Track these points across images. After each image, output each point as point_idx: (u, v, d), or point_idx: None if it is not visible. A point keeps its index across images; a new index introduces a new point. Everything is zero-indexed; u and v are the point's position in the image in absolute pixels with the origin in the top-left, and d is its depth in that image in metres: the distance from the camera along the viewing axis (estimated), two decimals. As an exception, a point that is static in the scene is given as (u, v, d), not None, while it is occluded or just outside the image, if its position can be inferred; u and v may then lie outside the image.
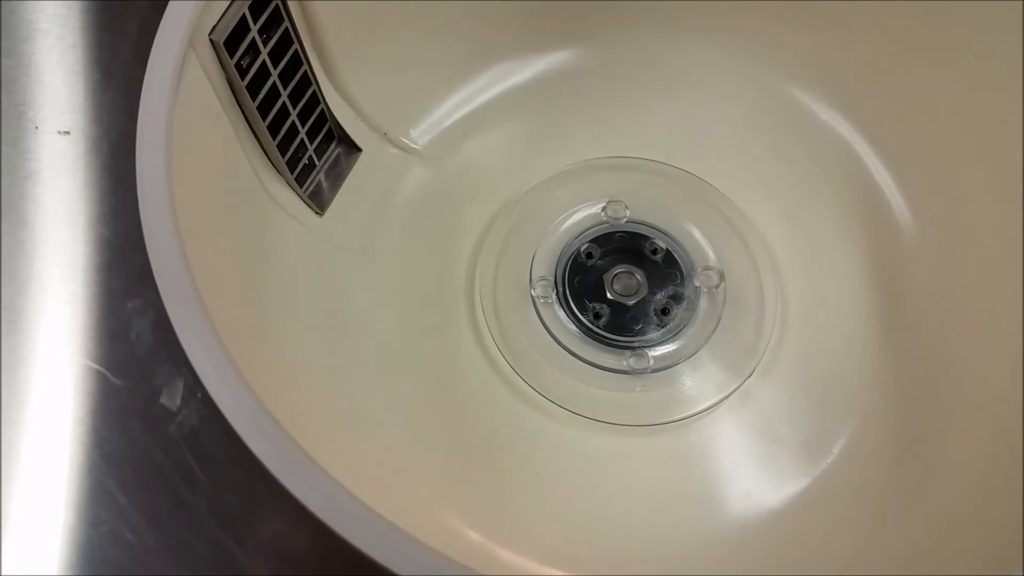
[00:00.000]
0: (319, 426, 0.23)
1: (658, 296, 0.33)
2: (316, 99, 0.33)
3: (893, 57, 0.33)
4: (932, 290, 0.32)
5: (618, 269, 0.33)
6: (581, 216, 0.34)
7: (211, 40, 0.26)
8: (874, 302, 0.33)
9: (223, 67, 0.27)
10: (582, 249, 0.34)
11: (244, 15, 0.27)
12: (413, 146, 0.35)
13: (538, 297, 0.33)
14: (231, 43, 0.27)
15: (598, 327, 0.32)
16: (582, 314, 0.32)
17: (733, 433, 0.31)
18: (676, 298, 0.33)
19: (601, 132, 0.36)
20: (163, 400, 0.18)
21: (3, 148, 0.21)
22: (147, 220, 0.20)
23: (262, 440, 0.18)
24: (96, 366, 0.18)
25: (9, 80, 0.22)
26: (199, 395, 0.18)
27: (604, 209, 0.35)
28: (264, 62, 0.29)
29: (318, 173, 0.34)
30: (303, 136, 0.32)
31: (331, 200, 0.34)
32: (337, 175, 0.35)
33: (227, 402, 0.18)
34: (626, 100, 0.36)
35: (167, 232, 0.20)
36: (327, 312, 0.32)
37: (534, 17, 0.35)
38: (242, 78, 0.28)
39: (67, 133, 0.21)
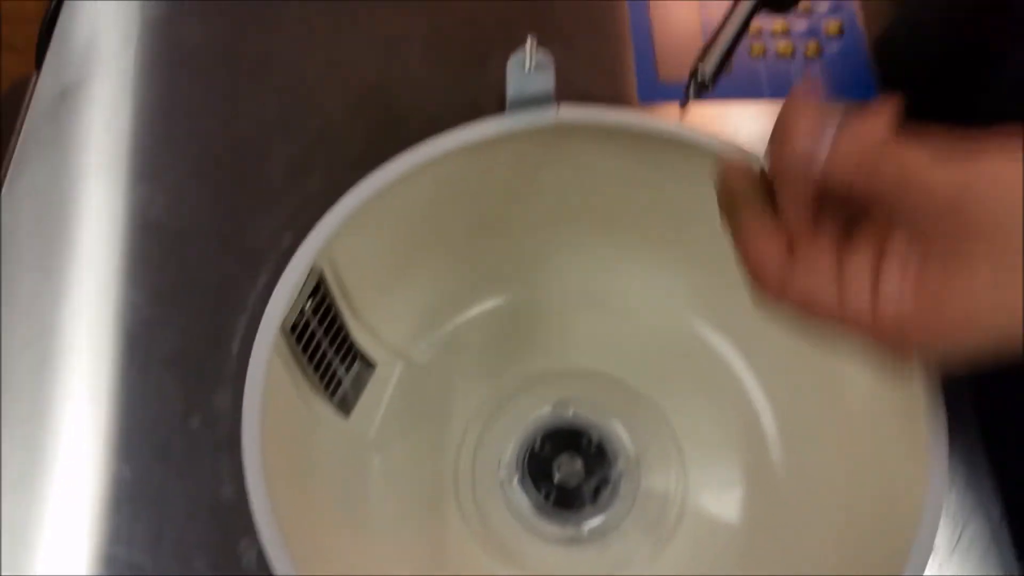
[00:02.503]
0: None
1: (592, 480, 0.45)
2: (346, 335, 0.45)
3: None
4: (787, 466, 0.45)
5: (562, 458, 0.46)
6: (537, 415, 0.47)
7: (282, 331, 0.38)
8: (747, 476, 0.45)
9: (285, 340, 0.39)
10: (536, 442, 0.46)
11: (303, 308, 0.40)
12: (416, 360, 0.48)
13: (503, 480, 0.45)
14: (293, 326, 0.39)
15: (547, 504, 0.44)
16: (536, 493, 0.44)
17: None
18: (604, 482, 0.45)
19: (555, 347, 0.49)
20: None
21: (152, 448, 0.33)
22: (251, 488, 0.32)
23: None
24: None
25: (159, 392, 0.34)
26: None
27: (554, 408, 0.47)
28: (313, 329, 0.41)
29: (344, 386, 0.46)
30: (335, 364, 0.45)
31: (354, 405, 0.46)
32: (359, 385, 0.47)
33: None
34: (573, 321, 0.49)
35: (263, 498, 0.32)
36: (351, 492, 0.44)
37: (504, 263, 0.48)
38: (298, 342, 0.41)
39: (199, 423, 0.33)
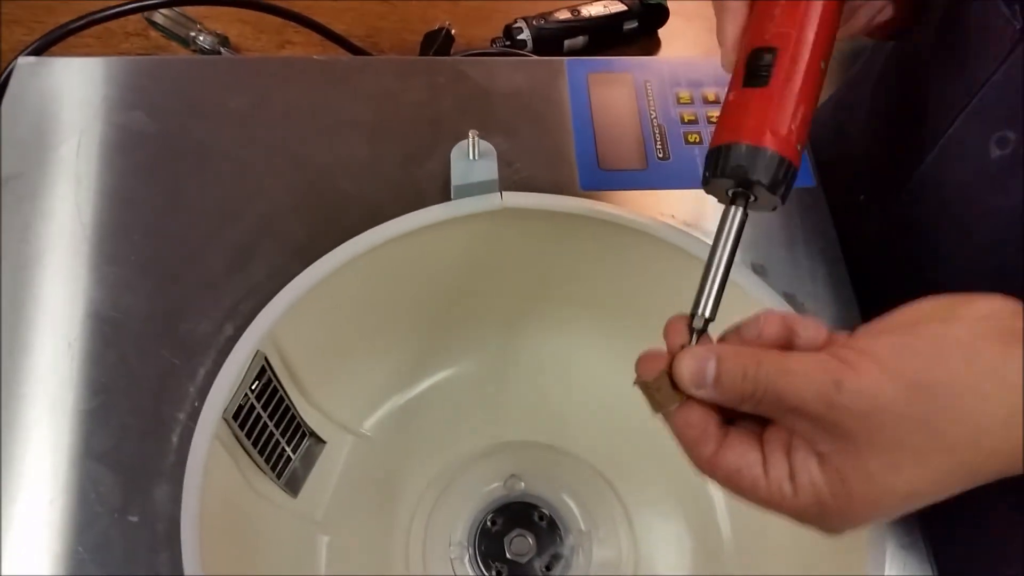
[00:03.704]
0: None
1: (544, 555, 0.45)
2: (293, 415, 0.45)
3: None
4: (735, 536, 0.45)
5: (514, 533, 0.46)
6: (487, 489, 0.47)
7: (224, 419, 0.38)
8: (695, 546, 0.46)
9: (228, 426, 0.39)
10: (487, 518, 0.46)
11: (247, 393, 0.40)
12: (367, 436, 0.48)
13: (455, 559, 0.45)
14: (236, 412, 0.39)
15: (501, 580, 0.44)
16: (487, 572, 0.44)
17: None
18: (556, 557, 0.45)
19: (505, 419, 0.49)
20: None
21: (89, 546, 0.33)
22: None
23: None
24: None
25: (97, 488, 0.34)
26: None
27: (505, 483, 0.47)
28: (258, 413, 0.41)
29: (293, 464, 0.46)
30: (283, 443, 0.44)
31: (303, 484, 0.46)
32: (308, 462, 0.46)
33: None
34: (522, 393, 0.50)
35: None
36: (300, 573, 0.43)
37: (453, 338, 0.49)
38: (241, 428, 0.40)
39: (138, 519, 0.33)
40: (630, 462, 0.48)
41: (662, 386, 0.26)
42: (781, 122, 0.28)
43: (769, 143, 0.27)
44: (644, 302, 0.47)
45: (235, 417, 0.39)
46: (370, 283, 0.44)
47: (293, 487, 0.45)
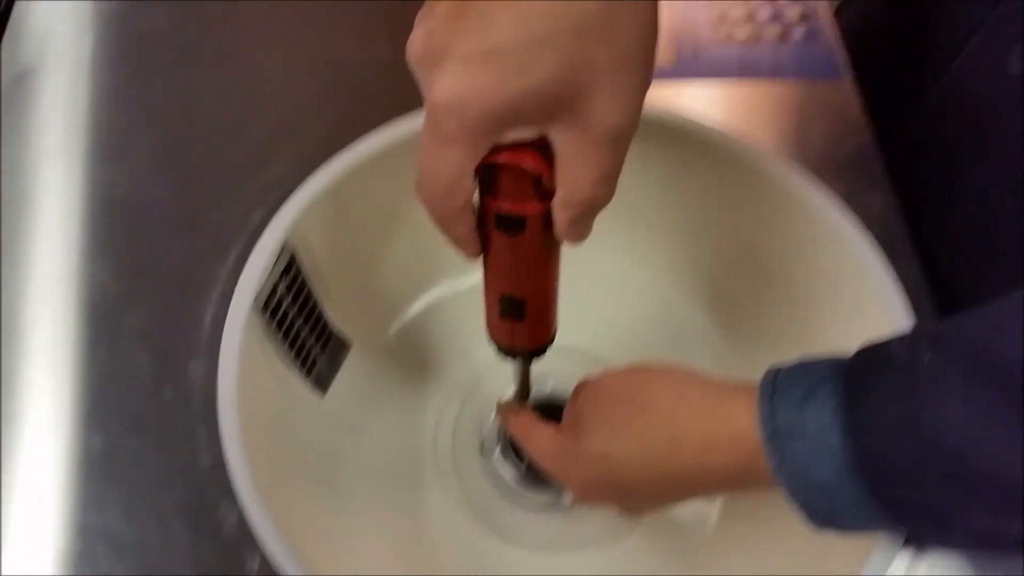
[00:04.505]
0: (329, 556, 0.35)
1: (570, 450, 0.45)
2: (320, 314, 0.45)
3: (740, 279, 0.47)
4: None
5: (542, 428, 0.46)
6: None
7: (255, 308, 0.39)
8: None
9: (259, 317, 0.40)
10: (515, 415, 0.46)
11: (275, 286, 0.40)
12: (392, 339, 0.48)
13: (485, 453, 0.45)
14: (267, 303, 0.40)
15: (528, 474, 0.45)
16: (518, 461, 0.45)
17: (628, 558, 0.44)
18: (583, 451, 0.45)
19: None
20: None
21: (123, 419, 0.33)
22: (228, 451, 0.32)
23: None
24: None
25: (132, 369, 0.35)
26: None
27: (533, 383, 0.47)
28: (287, 307, 0.41)
29: (320, 364, 0.46)
30: (310, 343, 0.45)
31: (330, 384, 0.46)
32: (335, 365, 0.47)
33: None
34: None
35: (242, 461, 0.32)
36: (329, 466, 0.44)
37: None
38: (272, 318, 0.41)
39: (172, 393, 0.34)
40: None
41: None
42: (546, 330, 0.37)
43: (543, 341, 0.38)
44: (676, 202, 0.46)
45: (264, 310, 0.40)
46: (395, 180, 0.43)
47: (321, 386, 0.46)
